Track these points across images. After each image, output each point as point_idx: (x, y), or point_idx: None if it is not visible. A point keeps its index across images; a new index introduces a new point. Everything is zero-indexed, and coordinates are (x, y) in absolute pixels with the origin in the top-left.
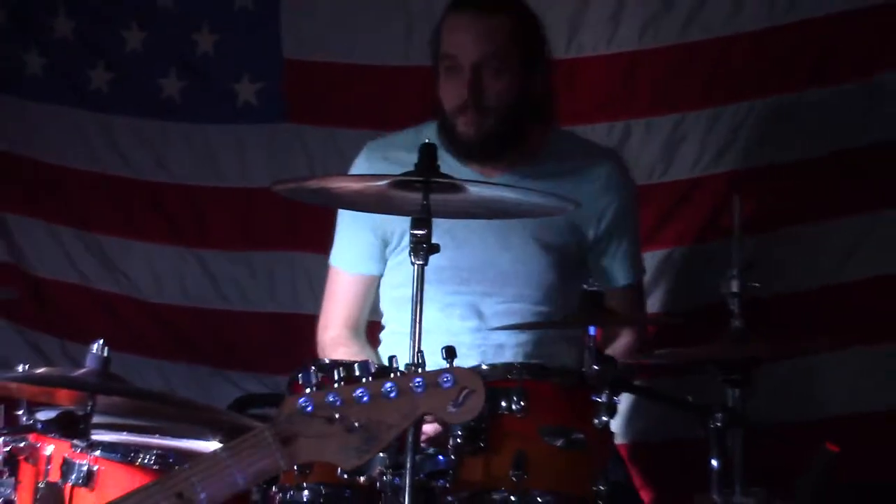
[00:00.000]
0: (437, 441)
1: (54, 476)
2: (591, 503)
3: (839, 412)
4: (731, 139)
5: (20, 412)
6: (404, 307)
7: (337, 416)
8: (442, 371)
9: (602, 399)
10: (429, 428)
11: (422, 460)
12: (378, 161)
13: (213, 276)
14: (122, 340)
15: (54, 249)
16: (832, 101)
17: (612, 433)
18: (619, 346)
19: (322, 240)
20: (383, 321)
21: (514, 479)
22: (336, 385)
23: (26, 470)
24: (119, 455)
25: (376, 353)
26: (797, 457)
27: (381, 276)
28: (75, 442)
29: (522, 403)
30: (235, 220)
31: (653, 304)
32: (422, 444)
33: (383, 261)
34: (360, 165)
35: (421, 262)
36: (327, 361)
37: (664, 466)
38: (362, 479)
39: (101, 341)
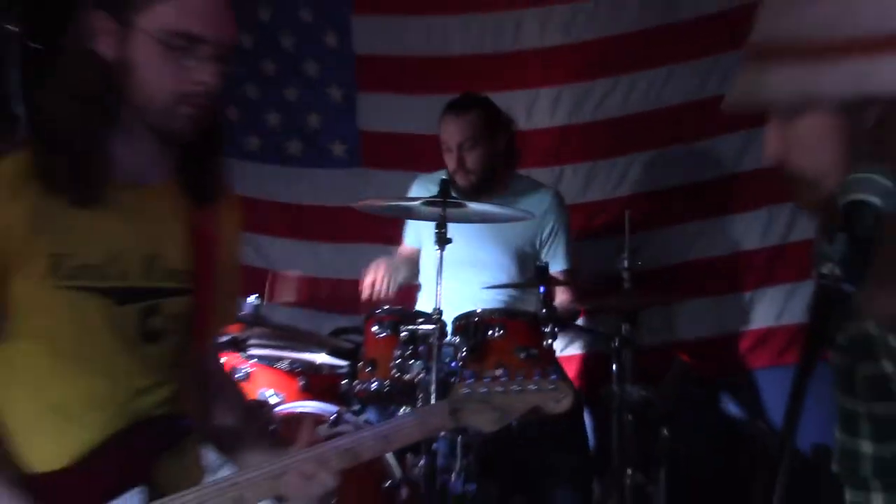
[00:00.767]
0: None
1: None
2: None
3: (686, 337)
4: (623, 178)
5: None
6: (433, 276)
7: (485, 400)
8: (550, 380)
9: (548, 330)
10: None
11: (441, 366)
12: (423, 187)
13: (319, 257)
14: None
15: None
16: (684, 153)
17: (553, 350)
18: (559, 301)
19: (382, 237)
20: (421, 286)
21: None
22: (485, 381)
23: None
24: (266, 362)
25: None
26: (663, 364)
27: (420, 249)
28: (239, 354)
29: (502, 332)
30: (332, 225)
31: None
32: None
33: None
34: (414, 188)
35: (440, 250)
36: (386, 307)
37: (584, 370)
38: (406, 377)
39: (256, 295)
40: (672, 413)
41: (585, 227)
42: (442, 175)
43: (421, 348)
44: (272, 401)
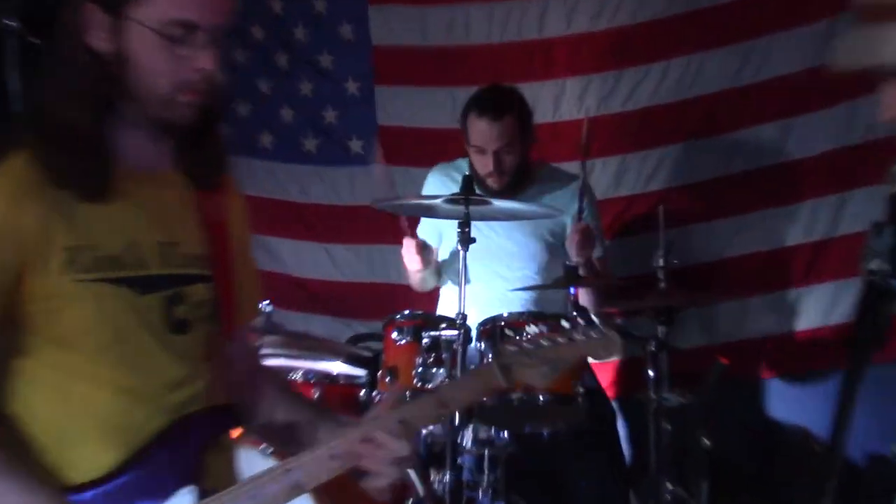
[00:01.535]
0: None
1: None
2: (574, 399)
3: (726, 339)
4: (656, 171)
5: None
6: (456, 278)
7: (534, 355)
8: (595, 328)
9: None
10: None
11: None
12: (441, 179)
13: (334, 260)
14: (280, 301)
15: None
16: (721, 143)
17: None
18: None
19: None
20: (441, 288)
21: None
22: (531, 337)
23: None
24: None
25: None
26: (701, 368)
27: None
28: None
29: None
30: (348, 225)
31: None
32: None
33: (440, 240)
34: (431, 179)
35: (465, 250)
36: (407, 312)
37: (617, 374)
38: (429, 385)
39: (268, 301)
40: (712, 420)
41: (617, 224)
42: (461, 163)
43: (444, 355)
44: None
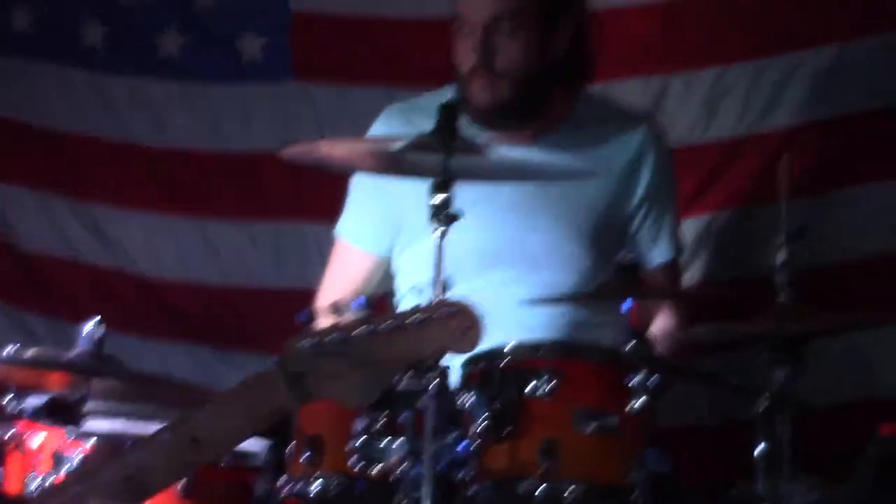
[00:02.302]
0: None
1: (45, 467)
2: (627, 493)
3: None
4: (778, 94)
5: (8, 398)
6: (424, 295)
7: (341, 353)
8: (440, 304)
9: (639, 381)
10: None
11: (442, 448)
12: (399, 126)
13: (214, 249)
14: (118, 319)
15: (44, 221)
16: (886, 50)
17: (650, 417)
18: (658, 328)
19: (333, 209)
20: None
21: (542, 468)
22: (336, 325)
23: (15, 461)
24: (115, 445)
25: None
26: (852, 441)
27: (388, 259)
28: (68, 430)
29: (552, 385)
30: (239, 187)
31: (693, 276)
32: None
33: (393, 243)
34: (378, 130)
35: (442, 228)
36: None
37: (708, 452)
38: (376, 470)
39: (96, 319)
40: None
41: (707, 189)
42: (430, 102)
43: (403, 416)
44: None
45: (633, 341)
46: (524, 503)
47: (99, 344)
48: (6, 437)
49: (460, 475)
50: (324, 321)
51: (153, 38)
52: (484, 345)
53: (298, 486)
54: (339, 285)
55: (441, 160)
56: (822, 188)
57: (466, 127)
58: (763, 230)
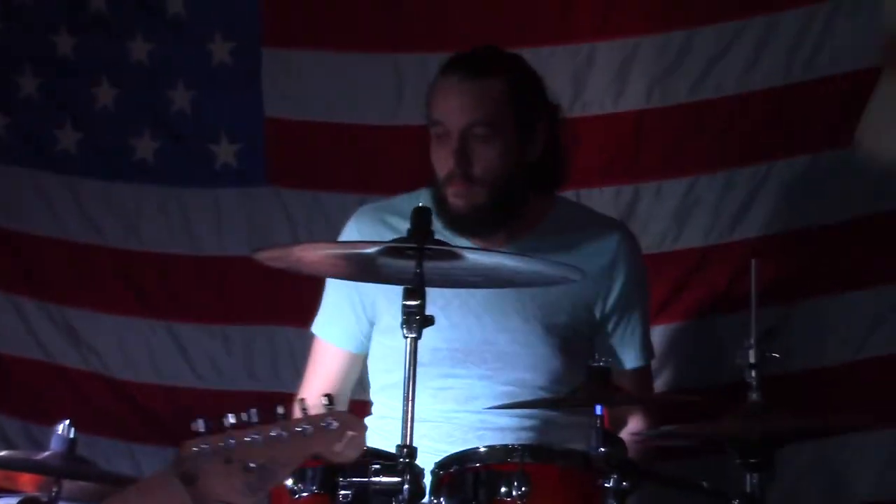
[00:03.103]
0: None
1: None
2: None
3: (868, 500)
4: (747, 204)
5: None
6: (395, 394)
7: (233, 457)
8: (325, 415)
9: (610, 484)
10: None
11: None
12: (370, 227)
13: (186, 352)
14: (89, 421)
15: (15, 322)
16: (854, 164)
17: None
18: (629, 431)
19: (305, 313)
20: (372, 406)
21: None
22: (228, 430)
23: None
24: None
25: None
26: None
27: (366, 354)
28: None
29: (524, 489)
30: (211, 291)
31: (664, 381)
32: None
33: (369, 339)
34: (350, 232)
35: (414, 335)
36: None
37: None
38: None
39: (68, 422)
40: None
41: (678, 296)
42: (403, 203)
43: None
44: None
45: (605, 446)
46: None
47: (71, 445)
48: None
49: None
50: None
51: (127, 142)
52: (456, 447)
53: None
54: (318, 382)
55: (414, 266)
56: (789, 298)
57: (440, 232)
58: (732, 338)
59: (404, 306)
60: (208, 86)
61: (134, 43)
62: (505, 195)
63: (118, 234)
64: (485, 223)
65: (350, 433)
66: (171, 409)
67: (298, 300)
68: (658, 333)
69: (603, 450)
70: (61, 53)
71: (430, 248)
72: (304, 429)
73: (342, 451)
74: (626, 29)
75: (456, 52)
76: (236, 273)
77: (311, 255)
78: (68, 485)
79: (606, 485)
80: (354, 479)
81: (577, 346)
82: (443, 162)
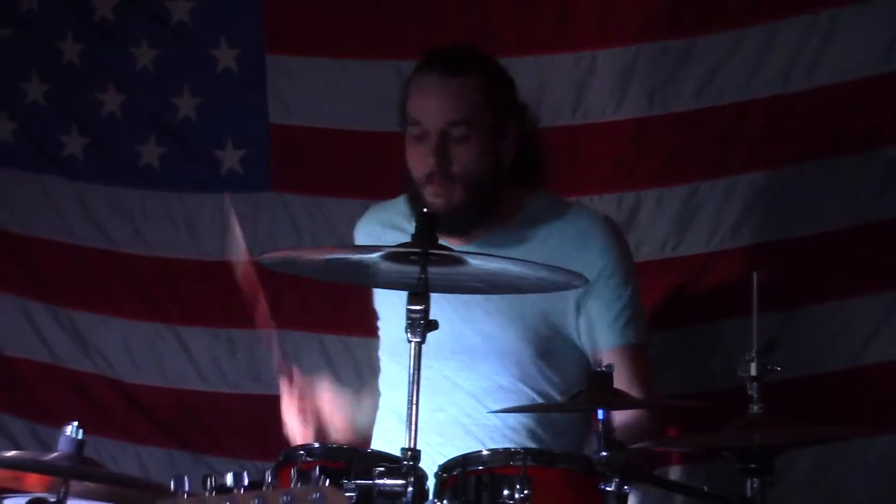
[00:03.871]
0: None
1: None
2: None
3: None
4: (747, 211)
5: None
6: (400, 391)
7: None
8: (312, 489)
9: (611, 488)
10: None
11: None
12: (379, 229)
13: (191, 355)
14: (96, 423)
15: (23, 326)
16: (856, 170)
17: None
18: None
19: (309, 317)
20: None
21: None
22: (208, 496)
23: None
24: None
25: None
26: None
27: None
28: None
29: (526, 492)
30: (216, 295)
31: (665, 387)
32: None
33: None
34: (360, 237)
35: (418, 340)
36: (316, 446)
37: None
38: None
39: (76, 423)
40: None
41: (679, 303)
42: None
43: None
44: None
45: (607, 450)
46: None
47: (79, 447)
48: None
49: None
50: None
51: (133, 148)
52: (458, 449)
53: None
54: None
55: (419, 271)
56: (791, 304)
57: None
58: (734, 342)
59: (409, 311)
60: (213, 92)
61: (139, 50)
62: (481, 194)
63: (124, 239)
64: (461, 222)
65: None
66: (176, 411)
67: (302, 304)
68: (660, 339)
69: (604, 454)
70: (67, 60)
71: (434, 254)
72: (287, 502)
73: None
74: (627, 36)
75: (430, 50)
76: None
77: (315, 259)
78: (76, 485)
79: (608, 488)
80: (359, 482)
81: (545, 335)
82: (421, 162)
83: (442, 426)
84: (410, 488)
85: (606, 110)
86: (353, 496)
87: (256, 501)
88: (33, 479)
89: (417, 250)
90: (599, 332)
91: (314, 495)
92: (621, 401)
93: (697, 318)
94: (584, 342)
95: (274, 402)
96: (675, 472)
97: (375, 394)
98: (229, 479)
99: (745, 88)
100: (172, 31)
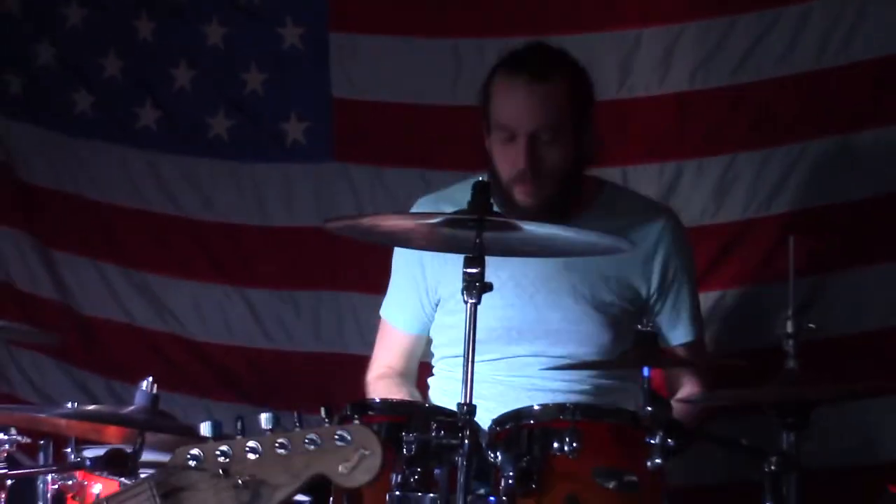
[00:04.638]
0: None
1: None
2: None
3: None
4: (783, 180)
5: (68, 450)
6: (453, 362)
7: (222, 471)
8: (339, 427)
9: (656, 441)
10: None
11: (473, 500)
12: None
13: (258, 315)
14: (169, 379)
15: (102, 288)
16: (887, 141)
17: (665, 475)
18: (683, 397)
19: (367, 280)
20: (433, 369)
21: None
22: (230, 438)
23: None
24: None
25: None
26: (855, 501)
27: (428, 335)
28: (123, 480)
29: (575, 444)
30: (281, 258)
31: (707, 347)
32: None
33: (432, 321)
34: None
35: (474, 301)
36: (378, 401)
37: None
38: None
39: (150, 379)
40: None
41: (718, 267)
42: (460, 192)
43: (437, 471)
44: None
45: (651, 405)
46: None
47: (153, 401)
48: (67, 486)
49: None
50: (373, 390)
51: (203, 120)
52: (510, 407)
53: None
54: (385, 359)
55: (475, 235)
56: (824, 268)
57: (498, 208)
58: (770, 306)
59: (465, 273)
60: (279, 68)
61: (209, 27)
62: (567, 187)
63: (195, 206)
64: (547, 214)
65: (363, 451)
66: (243, 367)
67: (362, 267)
68: (700, 302)
69: (650, 409)
70: (142, 38)
71: (489, 220)
72: (312, 440)
73: (349, 473)
74: (671, 16)
75: (512, 51)
76: (304, 242)
77: (381, 224)
78: (151, 437)
79: (652, 441)
80: (419, 435)
81: (623, 323)
82: (510, 162)
83: (508, 389)
84: (466, 441)
85: (651, 86)
86: (412, 447)
87: (284, 440)
88: (111, 431)
89: (474, 217)
90: (669, 328)
91: (341, 433)
92: (667, 359)
93: (735, 282)
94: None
95: (333, 359)
96: (715, 427)
97: None
98: (263, 420)
99: (780, 64)
100: (241, 10)
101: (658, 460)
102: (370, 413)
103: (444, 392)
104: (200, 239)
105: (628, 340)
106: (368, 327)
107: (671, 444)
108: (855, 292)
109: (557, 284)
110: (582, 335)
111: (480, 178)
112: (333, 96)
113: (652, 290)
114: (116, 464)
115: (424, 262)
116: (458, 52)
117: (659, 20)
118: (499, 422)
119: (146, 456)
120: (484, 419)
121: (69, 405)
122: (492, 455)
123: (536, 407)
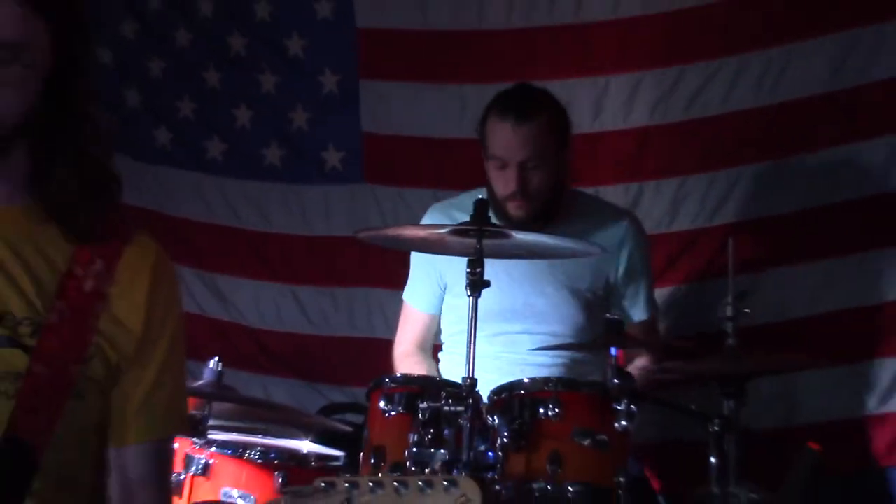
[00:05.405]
0: None
1: (178, 468)
2: (614, 493)
3: (816, 419)
4: (725, 198)
5: None
6: (459, 339)
7: (346, 500)
8: (447, 477)
9: (621, 407)
10: None
11: (475, 456)
12: (441, 218)
13: (303, 307)
14: (231, 359)
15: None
16: (810, 165)
17: (630, 435)
18: (636, 365)
19: (391, 278)
20: (443, 346)
21: (550, 472)
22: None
23: None
24: (231, 451)
25: (437, 370)
26: (782, 456)
27: (440, 315)
28: (195, 440)
29: (557, 410)
30: (322, 262)
31: (663, 330)
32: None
33: (442, 302)
34: (427, 221)
35: (476, 296)
36: (398, 375)
37: (671, 463)
38: (426, 470)
39: (216, 358)
40: None
41: (673, 266)
42: (466, 200)
43: (446, 432)
44: None
45: (618, 378)
46: (536, 499)
47: (219, 377)
48: None
49: (489, 476)
50: (400, 366)
51: (259, 151)
52: (505, 378)
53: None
54: (407, 337)
55: (476, 242)
56: (758, 268)
57: (497, 219)
58: (714, 297)
59: (468, 273)
60: (320, 109)
61: (264, 76)
62: (550, 201)
63: (253, 220)
64: (534, 223)
65: (464, 499)
66: (292, 350)
67: (386, 268)
68: (658, 295)
69: (616, 381)
70: (210, 85)
71: (487, 230)
72: (424, 483)
73: None
74: (634, 66)
75: (502, 92)
76: (340, 248)
77: (401, 234)
78: (217, 406)
79: (619, 408)
80: (431, 403)
81: (595, 305)
82: (503, 185)
83: (503, 365)
84: (469, 408)
85: (617, 121)
86: (426, 413)
87: (400, 483)
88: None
89: (475, 227)
90: (630, 308)
91: (449, 480)
92: (631, 341)
93: (687, 279)
94: (614, 307)
95: (364, 343)
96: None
97: None
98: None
99: (723, 104)
100: (289, 63)
101: (624, 423)
102: (392, 385)
103: (454, 365)
104: (258, 246)
105: (599, 320)
106: (392, 316)
107: (634, 409)
108: (783, 287)
109: (542, 275)
110: (562, 315)
111: (480, 197)
112: (363, 131)
113: (619, 277)
114: (189, 427)
115: (435, 256)
116: (463, 96)
117: (624, 69)
118: (496, 392)
119: (212, 422)
120: (484, 390)
121: None
122: (490, 419)
123: (526, 380)
